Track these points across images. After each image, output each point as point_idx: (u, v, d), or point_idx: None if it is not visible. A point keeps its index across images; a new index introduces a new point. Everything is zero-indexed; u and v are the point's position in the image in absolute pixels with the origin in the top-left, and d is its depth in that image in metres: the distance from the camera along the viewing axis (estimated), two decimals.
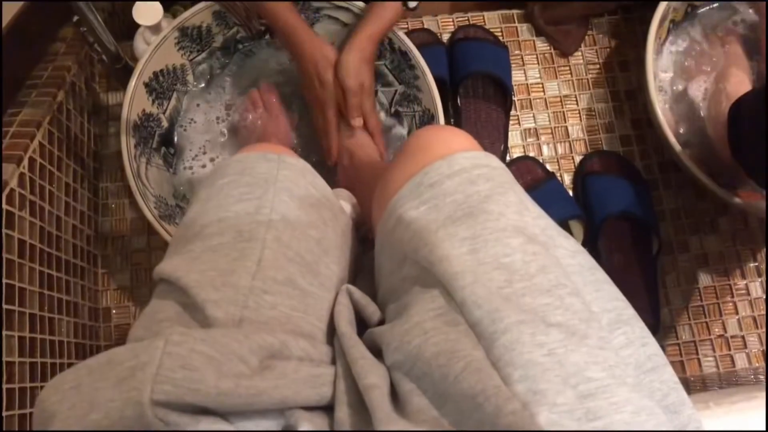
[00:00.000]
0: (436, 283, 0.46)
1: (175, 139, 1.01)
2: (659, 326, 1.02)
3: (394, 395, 0.43)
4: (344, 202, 0.63)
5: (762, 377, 0.99)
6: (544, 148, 1.11)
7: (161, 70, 0.96)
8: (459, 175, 0.50)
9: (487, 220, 0.47)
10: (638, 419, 0.40)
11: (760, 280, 1.08)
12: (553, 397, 0.39)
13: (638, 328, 0.49)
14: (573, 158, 1.11)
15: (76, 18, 0.84)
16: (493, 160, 0.53)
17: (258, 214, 0.50)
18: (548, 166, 1.09)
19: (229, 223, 0.50)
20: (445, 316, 0.43)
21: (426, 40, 1.11)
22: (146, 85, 0.94)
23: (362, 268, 0.61)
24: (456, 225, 0.48)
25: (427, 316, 0.44)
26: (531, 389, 0.39)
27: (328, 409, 0.43)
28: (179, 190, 0.98)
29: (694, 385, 0.99)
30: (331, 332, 0.49)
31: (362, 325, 0.51)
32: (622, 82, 1.15)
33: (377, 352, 0.46)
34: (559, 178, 1.09)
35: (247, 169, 0.54)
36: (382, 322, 0.51)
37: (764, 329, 1.06)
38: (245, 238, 0.49)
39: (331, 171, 1.02)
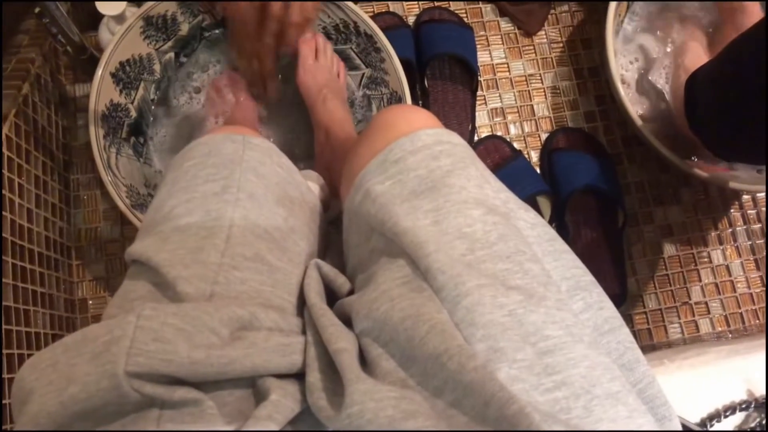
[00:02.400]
0: (401, 254, 0.47)
1: (145, 128, 1.01)
2: (626, 296, 1.05)
3: (364, 361, 0.45)
4: (312, 183, 0.64)
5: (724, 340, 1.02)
6: (511, 127, 1.13)
7: (127, 60, 0.96)
8: (422, 151, 0.52)
9: (449, 193, 0.49)
10: (594, 373, 0.42)
11: (721, 248, 1.11)
12: (512, 353, 0.40)
13: (596, 293, 0.50)
14: (539, 136, 1.13)
15: (37, 9, 0.83)
16: (454, 137, 0.55)
17: (225, 194, 0.51)
18: (515, 145, 1.11)
19: (196, 203, 0.50)
20: (411, 284, 0.45)
21: (391, 23, 1.12)
22: (113, 75, 0.94)
23: (331, 245, 0.62)
24: (420, 198, 0.49)
25: (394, 284, 0.45)
26: (492, 347, 0.40)
27: (299, 376, 0.44)
28: (150, 178, 0.98)
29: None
30: (301, 306, 0.50)
31: (332, 297, 0.52)
32: (585, 60, 1.17)
33: (347, 321, 0.48)
34: (526, 156, 1.11)
35: (213, 150, 0.54)
36: (351, 294, 0.52)
37: (726, 295, 1.10)
38: (213, 217, 0.49)
39: (309, 158, 1.03)
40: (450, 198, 0.49)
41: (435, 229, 0.47)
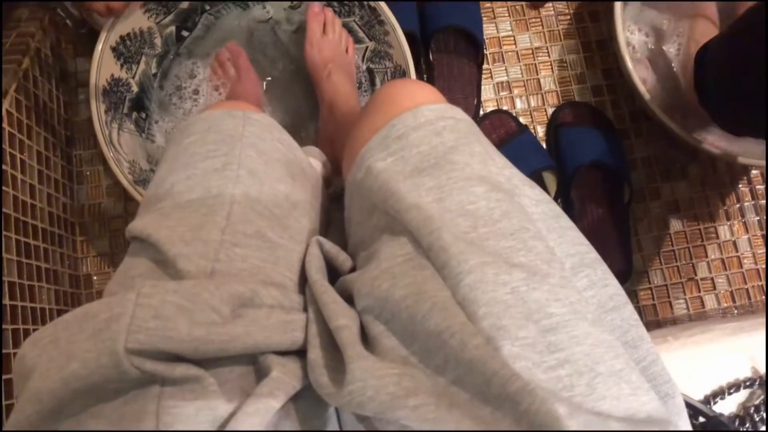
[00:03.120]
0: (404, 231, 0.47)
1: (147, 103, 1.00)
2: (632, 272, 1.05)
3: (365, 339, 0.45)
4: (313, 159, 0.64)
5: (730, 317, 1.02)
6: (517, 101, 1.12)
7: (128, 34, 0.95)
8: (424, 127, 0.51)
9: (452, 170, 0.48)
10: (598, 351, 0.42)
11: (728, 223, 1.11)
12: (515, 331, 0.40)
13: (600, 270, 0.50)
14: (546, 110, 1.12)
15: None
16: (458, 112, 0.54)
17: (225, 170, 0.51)
18: (521, 119, 1.10)
19: (196, 180, 0.50)
20: (413, 261, 0.45)
21: None
22: (113, 49, 0.93)
23: (333, 222, 0.61)
24: (422, 175, 0.49)
25: (396, 262, 0.45)
26: (494, 325, 0.40)
27: (300, 353, 0.45)
28: (152, 154, 0.98)
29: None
30: (303, 283, 0.50)
31: (334, 275, 0.52)
32: (593, 33, 1.15)
33: (348, 299, 0.47)
34: (533, 131, 1.10)
35: (213, 126, 0.54)
36: (353, 271, 0.52)
37: (732, 271, 1.09)
38: (213, 194, 0.49)
39: (310, 136, 1.02)
40: (453, 175, 0.48)
41: (438, 206, 0.46)
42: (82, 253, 1.01)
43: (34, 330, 0.83)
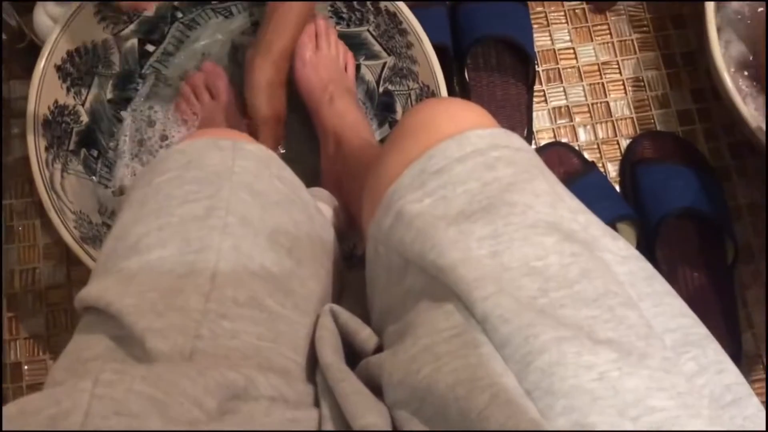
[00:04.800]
0: (448, 296, 0.47)
1: (100, 137, 1.01)
2: (741, 355, 1.03)
3: None
4: (322, 204, 0.64)
5: None
6: (581, 132, 1.13)
7: (77, 49, 0.97)
8: (472, 158, 0.52)
9: (510, 213, 0.49)
10: None
11: None
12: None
13: (712, 350, 0.49)
14: (618, 142, 1.12)
15: None
16: (515, 139, 0.55)
17: (210, 218, 0.51)
18: (586, 154, 1.11)
19: (172, 231, 0.51)
20: (463, 336, 0.44)
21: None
22: (58, 68, 0.95)
23: (348, 286, 0.62)
24: (471, 221, 0.49)
25: (440, 338, 0.45)
26: (579, 423, 0.39)
27: None
28: (106, 203, 0.98)
29: None
30: (312, 367, 0.50)
31: (353, 356, 0.52)
32: (678, 43, 1.16)
33: (375, 388, 0.47)
34: (602, 169, 1.10)
35: (194, 160, 0.54)
36: (379, 351, 0.51)
37: None
38: (194, 248, 0.49)
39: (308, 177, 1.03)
40: (513, 220, 0.48)
41: (493, 262, 0.46)
42: (10, 334, 1.01)
43: None
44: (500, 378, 0.41)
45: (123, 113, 1.04)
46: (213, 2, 1.04)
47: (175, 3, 1.03)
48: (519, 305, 0.43)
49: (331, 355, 0.48)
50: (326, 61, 0.98)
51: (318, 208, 0.61)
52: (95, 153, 1.01)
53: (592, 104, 1.14)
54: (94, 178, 0.99)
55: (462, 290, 0.45)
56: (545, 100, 1.14)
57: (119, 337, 0.46)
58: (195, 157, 0.55)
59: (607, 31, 1.17)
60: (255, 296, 0.49)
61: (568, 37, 1.16)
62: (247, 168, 0.55)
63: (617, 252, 0.51)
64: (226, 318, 0.47)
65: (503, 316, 0.43)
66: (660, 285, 0.52)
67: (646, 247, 1.04)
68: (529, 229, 0.48)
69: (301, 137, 1.03)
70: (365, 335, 0.52)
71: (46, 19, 1.01)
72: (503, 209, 0.49)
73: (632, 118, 1.13)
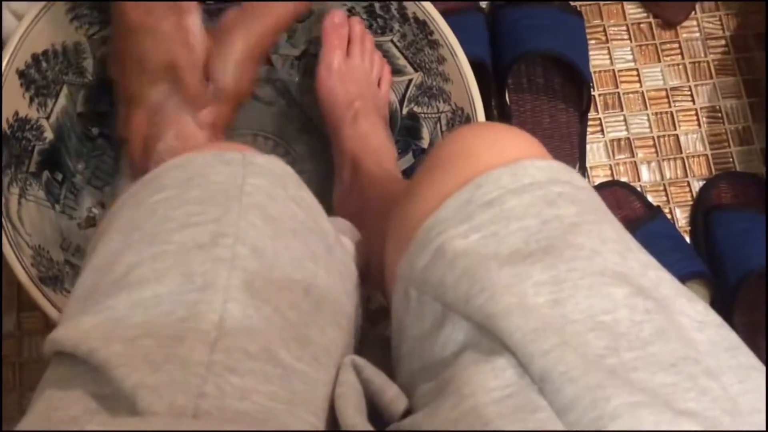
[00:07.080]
0: (499, 349, 0.46)
1: (66, 158, 1.02)
2: None
3: None
4: (344, 238, 0.64)
5: None
6: (643, 170, 1.13)
7: (45, 52, 0.98)
8: (530, 191, 0.52)
9: (575, 257, 0.49)
10: None
11: None
12: None
13: None
14: (689, 184, 1.13)
15: None
16: (576, 177, 0.55)
17: (216, 246, 0.50)
18: (650, 197, 1.11)
19: (170, 262, 0.50)
20: (516, 398, 0.44)
21: (455, 5, 1.13)
22: (21, 74, 0.95)
23: (369, 337, 0.61)
24: (528, 263, 0.49)
25: (489, 399, 0.44)
26: None
27: None
28: (70, 237, 0.99)
29: None
30: (330, 428, 0.50)
31: (376, 416, 0.51)
32: (762, 66, 1.16)
33: None
34: (669, 215, 1.10)
35: (196, 177, 0.54)
36: (408, 414, 0.51)
37: None
38: (198, 285, 0.49)
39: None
40: (577, 266, 0.48)
41: (554, 312, 0.46)
42: None
43: None
44: None
45: (94, 130, 1.05)
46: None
47: None
48: (585, 362, 0.43)
49: (355, 415, 0.48)
50: (356, 73, 0.98)
51: (339, 240, 0.60)
52: (60, 177, 1.01)
53: (658, 137, 1.14)
54: (57, 206, 1.00)
55: (517, 342, 0.45)
56: (601, 131, 1.14)
57: (102, 396, 0.45)
58: (197, 172, 0.54)
59: (678, 51, 1.18)
60: (268, 346, 0.48)
61: (630, 57, 1.17)
62: (259, 187, 0.54)
63: (695, 316, 0.51)
64: (234, 373, 0.46)
65: (568, 374, 0.43)
66: (745, 357, 0.51)
67: (722, 312, 1.03)
68: (596, 277, 0.48)
69: (318, 158, 1.05)
70: (393, 394, 0.52)
71: (8, 15, 1.02)
72: (566, 252, 0.49)
73: (706, 155, 1.14)
